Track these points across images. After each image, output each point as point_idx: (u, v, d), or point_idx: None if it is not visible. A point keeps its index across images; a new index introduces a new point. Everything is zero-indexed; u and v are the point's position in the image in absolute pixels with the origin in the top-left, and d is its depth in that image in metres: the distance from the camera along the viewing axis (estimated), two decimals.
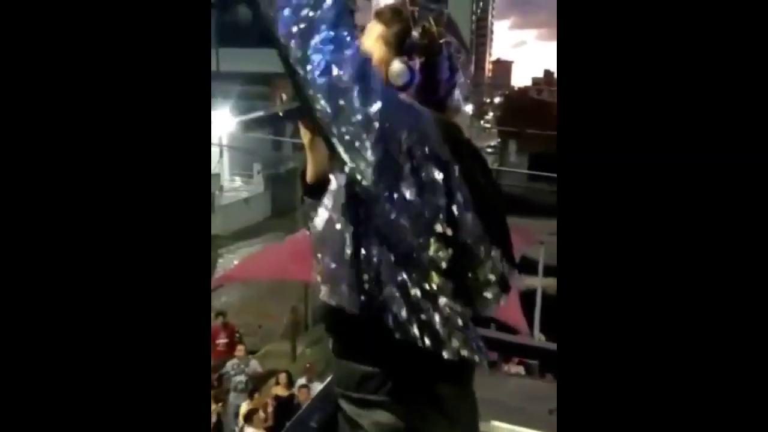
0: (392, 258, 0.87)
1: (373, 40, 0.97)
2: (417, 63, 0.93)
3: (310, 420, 1.36)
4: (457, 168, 0.87)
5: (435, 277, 0.86)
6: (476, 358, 0.91)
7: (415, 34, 0.94)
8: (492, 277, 0.92)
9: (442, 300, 0.88)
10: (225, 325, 6.77)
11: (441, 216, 0.85)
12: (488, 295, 0.92)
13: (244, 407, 5.37)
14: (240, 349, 6.23)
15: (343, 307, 0.92)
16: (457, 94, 0.99)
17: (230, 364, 6.07)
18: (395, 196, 0.82)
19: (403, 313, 0.87)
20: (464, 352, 0.89)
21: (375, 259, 0.88)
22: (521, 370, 5.53)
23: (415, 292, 0.87)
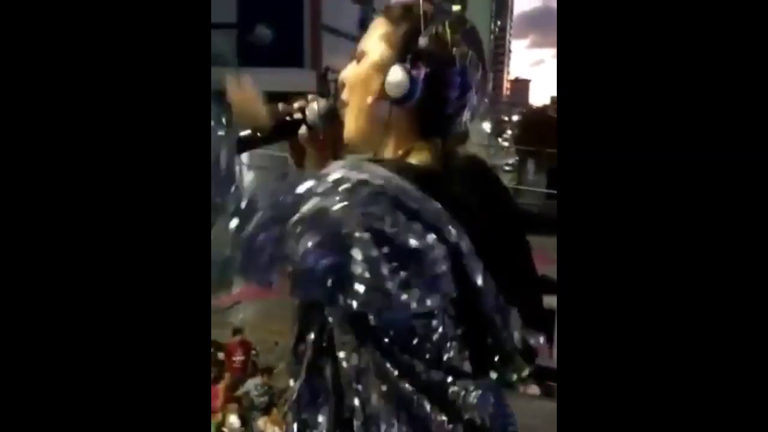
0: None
1: (376, 37, 0.81)
2: (422, 73, 0.75)
3: None
4: (467, 243, 0.70)
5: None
6: None
7: (424, 37, 0.76)
8: (510, 350, 0.78)
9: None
10: (242, 342, 6.78)
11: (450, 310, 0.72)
12: (510, 367, 0.78)
13: (261, 424, 5.38)
14: (267, 377, 6.24)
15: None
16: (466, 116, 0.80)
17: (252, 384, 6.05)
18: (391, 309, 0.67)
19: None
20: None
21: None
22: (536, 390, 5.44)
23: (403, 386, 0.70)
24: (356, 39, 0.87)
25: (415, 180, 0.70)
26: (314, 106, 0.87)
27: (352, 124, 0.83)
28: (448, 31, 0.77)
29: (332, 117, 0.86)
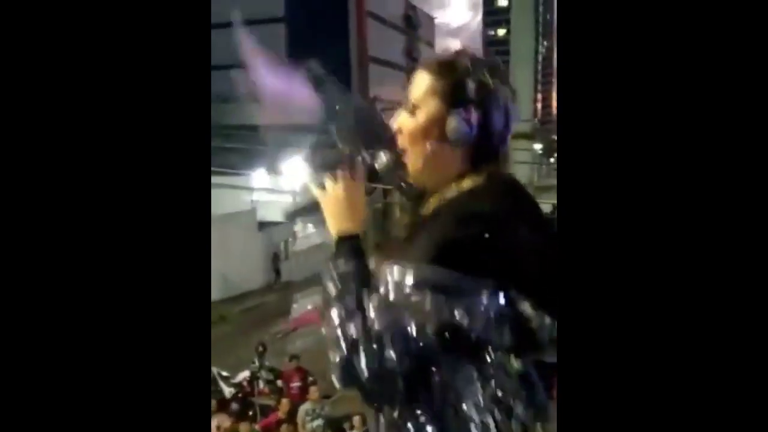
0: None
1: (422, 92, 0.94)
2: (474, 116, 0.90)
3: None
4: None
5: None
6: None
7: (471, 86, 0.90)
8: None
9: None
10: (298, 369, 6.87)
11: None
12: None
13: None
14: (313, 391, 6.26)
15: None
16: (509, 142, 0.97)
17: (303, 410, 6.11)
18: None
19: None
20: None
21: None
22: None
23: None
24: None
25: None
26: (382, 158, 0.98)
27: (415, 167, 0.96)
28: (488, 77, 0.91)
29: (397, 166, 0.97)
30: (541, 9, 57.94)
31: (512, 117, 0.94)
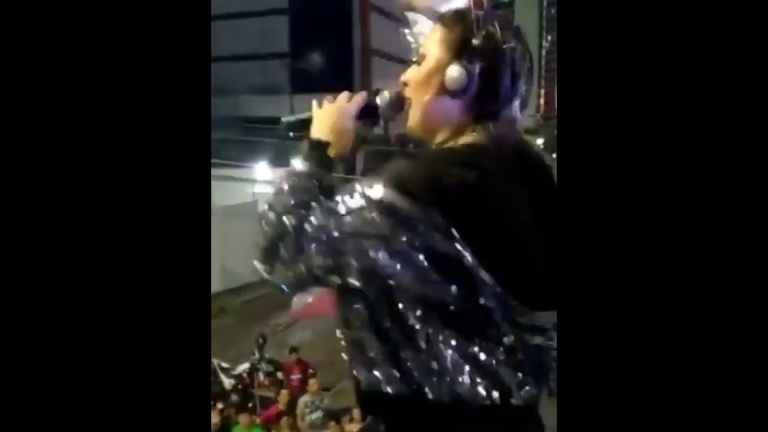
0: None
1: (431, 43, 0.91)
2: (476, 67, 0.86)
3: None
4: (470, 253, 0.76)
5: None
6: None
7: (477, 36, 0.86)
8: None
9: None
10: (298, 361, 6.89)
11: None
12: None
13: None
14: (312, 384, 6.28)
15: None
16: (516, 105, 0.90)
17: (303, 402, 6.13)
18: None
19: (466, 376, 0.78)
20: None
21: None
22: None
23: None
24: (406, 62, 0.98)
25: (460, 154, 0.84)
26: (385, 95, 0.98)
27: (413, 117, 0.93)
28: (498, 29, 0.87)
29: (400, 106, 0.96)
30: (545, 4, 57.58)
31: (522, 78, 0.88)
